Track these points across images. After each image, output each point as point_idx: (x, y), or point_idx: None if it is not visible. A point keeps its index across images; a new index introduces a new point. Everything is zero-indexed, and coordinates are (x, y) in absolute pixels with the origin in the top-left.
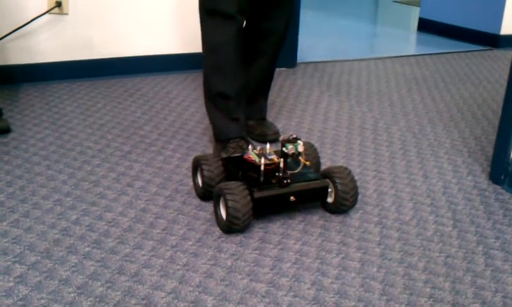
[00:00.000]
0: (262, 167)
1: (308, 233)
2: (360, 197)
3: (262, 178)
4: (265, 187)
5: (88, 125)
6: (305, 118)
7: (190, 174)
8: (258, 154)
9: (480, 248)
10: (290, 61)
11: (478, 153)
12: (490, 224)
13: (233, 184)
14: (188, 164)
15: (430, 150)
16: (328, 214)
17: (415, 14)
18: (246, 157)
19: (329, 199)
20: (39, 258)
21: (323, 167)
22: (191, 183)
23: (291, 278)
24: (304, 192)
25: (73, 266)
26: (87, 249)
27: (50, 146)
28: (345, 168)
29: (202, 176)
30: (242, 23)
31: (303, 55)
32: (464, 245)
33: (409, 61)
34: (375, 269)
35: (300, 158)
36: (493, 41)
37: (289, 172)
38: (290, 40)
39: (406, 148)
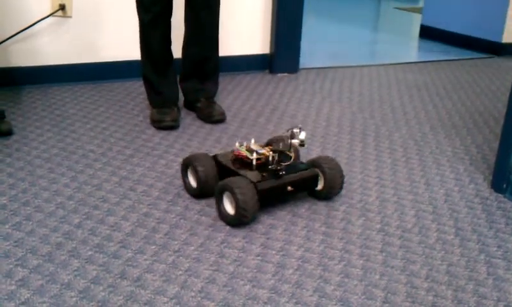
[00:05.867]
0: (254, 162)
1: (310, 240)
2: (362, 204)
3: (254, 172)
4: (265, 179)
5: (90, 128)
6: (307, 124)
7: None
8: (248, 149)
9: (482, 256)
10: (292, 66)
11: (480, 161)
12: (492, 232)
13: (238, 179)
14: None
15: (432, 158)
16: (330, 221)
17: (416, 21)
18: (236, 153)
19: (319, 187)
20: (41, 261)
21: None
22: None
23: (293, 285)
24: (298, 181)
25: (75, 270)
26: (89, 253)
27: (53, 149)
28: (331, 157)
29: (197, 175)
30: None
31: (305, 61)
32: (467, 254)
33: (411, 67)
34: (377, 277)
35: (287, 152)
36: (495, 49)
37: (284, 164)
38: (292, 46)
39: (408, 155)
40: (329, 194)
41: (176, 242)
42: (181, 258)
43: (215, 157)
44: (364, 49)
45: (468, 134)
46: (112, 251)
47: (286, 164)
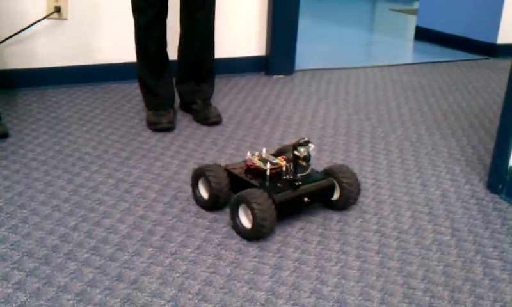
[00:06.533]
0: (268, 172)
1: (307, 241)
2: (358, 205)
3: (267, 183)
4: (282, 191)
5: (86, 131)
6: (303, 126)
7: (189, 180)
8: (261, 159)
9: (478, 257)
10: (288, 68)
11: (475, 162)
12: (488, 233)
13: (254, 191)
14: (187, 170)
15: (428, 159)
16: (327, 222)
17: (411, 22)
18: (248, 163)
19: (334, 197)
20: (37, 264)
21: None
22: (190, 191)
23: (290, 286)
24: (315, 192)
25: (71, 273)
26: (85, 255)
27: (49, 151)
28: (346, 166)
29: (209, 186)
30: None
31: (301, 63)
32: (463, 254)
33: (406, 69)
34: (374, 278)
35: (303, 163)
36: (490, 50)
37: (299, 174)
38: (287, 47)
39: (404, 157)
40: (346, 204)
41: (172, 244)
42: (178, 260)
43: (227, 168)
44: (360, 51)
45: (464, 135)
46: (108, 254)
47: (303, 174)
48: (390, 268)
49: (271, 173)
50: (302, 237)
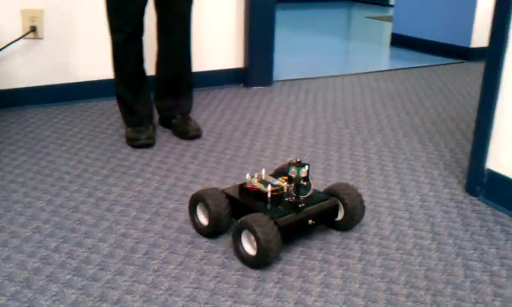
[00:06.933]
0: (269, 194)
1: (289, 252)
2: None
3: (269, 205)
4: (285, 214)
5: (65, 150)
6: (283, 136)
7: (169, 196)
8: (261, 181)
9: (459, 260)
10: (267, 79)
11: (453, 165)
12: (468, 235)
13: (257, 216)
14: (167, 186)
15: (406, 164)
16: (308, 232)
17: (387, 29)
18: (248, 185)
19: (338, 217)
20: (19, 288)
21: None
22: (171, 206)
23: (274, 298)
24: (319, 213)
25: (53, 295)
26: (67, 277)
27: (28, 173)
28: (349, 184)
29: (209, 212)
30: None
31: (279, 73)
32: (444, 258)
33: (383, 75)
34: (357, 285)
35: (304, 183)
36: (464, 54)
37: (302, 196)
38: (265, 59)
39: (383, 163)
40: (350, 224)
41: (155, 262)
42: (161, 277)
43: (226, 192)
44: (337, 59)
45: (441, 139)
46: (90, 274)
47: (305, 196)
48: (373, 275)
49: (272, 195)
50: (284, 248)
